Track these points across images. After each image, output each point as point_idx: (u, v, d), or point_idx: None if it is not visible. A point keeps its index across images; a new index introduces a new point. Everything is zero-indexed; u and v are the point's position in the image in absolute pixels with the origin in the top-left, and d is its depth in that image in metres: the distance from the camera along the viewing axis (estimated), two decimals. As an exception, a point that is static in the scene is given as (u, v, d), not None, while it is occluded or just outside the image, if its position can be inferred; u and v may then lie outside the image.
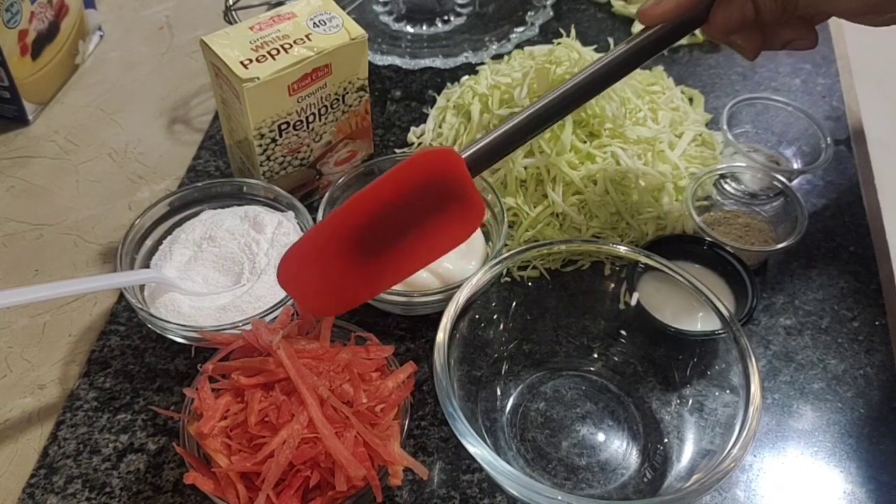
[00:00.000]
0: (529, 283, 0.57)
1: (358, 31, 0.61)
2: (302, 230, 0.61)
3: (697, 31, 0.86)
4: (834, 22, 0.89)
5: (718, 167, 0.66)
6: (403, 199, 0.47)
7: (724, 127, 0.68)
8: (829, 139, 0.68)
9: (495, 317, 0.56)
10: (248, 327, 0.51)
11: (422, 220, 0.48)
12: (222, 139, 0.71)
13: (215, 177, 0.72)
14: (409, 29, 0.86)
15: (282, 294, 0.56)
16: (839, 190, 0.71)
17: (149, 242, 0.61)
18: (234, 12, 0.76)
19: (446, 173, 0.47)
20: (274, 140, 0.61)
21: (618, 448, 0.53)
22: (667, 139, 0.68)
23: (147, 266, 0.60)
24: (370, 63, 0.65)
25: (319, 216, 0.60)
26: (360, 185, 0.65)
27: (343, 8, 0.63)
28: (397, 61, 0.79)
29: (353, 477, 0.45)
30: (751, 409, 0.46)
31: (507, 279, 0.56)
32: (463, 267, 0.59)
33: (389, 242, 0.48)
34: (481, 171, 0.50)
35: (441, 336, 0.49)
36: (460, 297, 0.51)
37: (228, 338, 0.51)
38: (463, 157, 0.48)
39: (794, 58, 0.85)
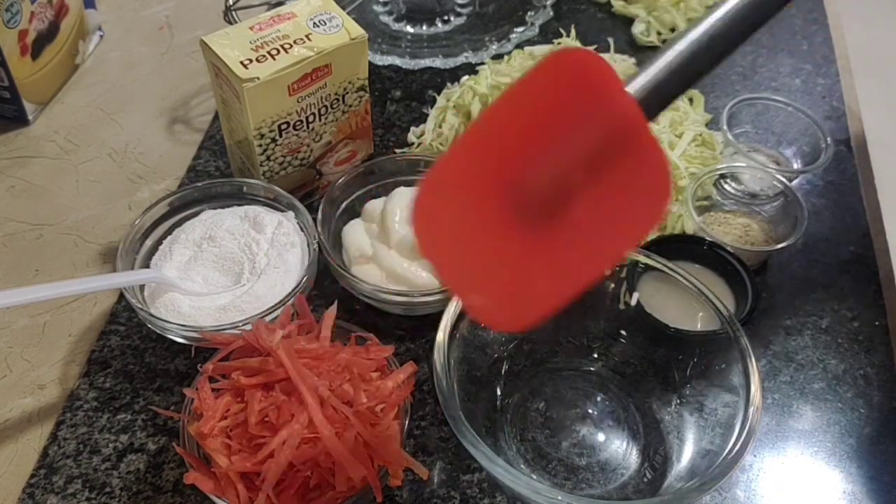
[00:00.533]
0: (529, 283, 0.57)
1: (358, 31, 0.61)
2: (302, 230, 0.61)
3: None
4: (834, 22, 0.89)
5: (718, 167, 0.66)
6: (542, 128, 0.34)
7: (724, 127, 0.68)
8: (829, 139, 0.68)
9: (495, 317, 0.56)
10: (248, 327, 0.51)
11: (591, 175, 0.34)
12: (222, 139, 0.71)
13: (215, 177, 0.72)
14: (409, 29, 0.86)
15: (282, 294, 0.56)
16: (839, 190, 0.71)
17: (149, 242, 0.61)
18: (234, 12, 0.76)
19: (593, 86, 0.33)
20: (274, 140, 0.61)
21: (618, 448, 0.53)
22: (667, 139, 0.68)
23: (147, 266, 0.60)
24: (370, 63, 0.65)
25: (319, 216, 0.60)
26: (360, 185, 0.65)
27: (343, 8, 0.63)
28: (397, 61, 0.79)
29: (353, 477, 0.45)
30: (751, 409, 0.46)
31: (507, 279, 0.56)
32: (463, 267, 0.58)
33: (554, 208, 0.35)
34: (658, 111, 0.35)
35: (441, 336, 0.49)
36: (460, 297, 0.51)
37: (228, 338, 0.51)
38: (629, 90, 0.33)
39: (795, 58, 0.85)
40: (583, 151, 0.34)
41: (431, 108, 0.76)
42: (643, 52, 0.84)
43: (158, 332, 0.57)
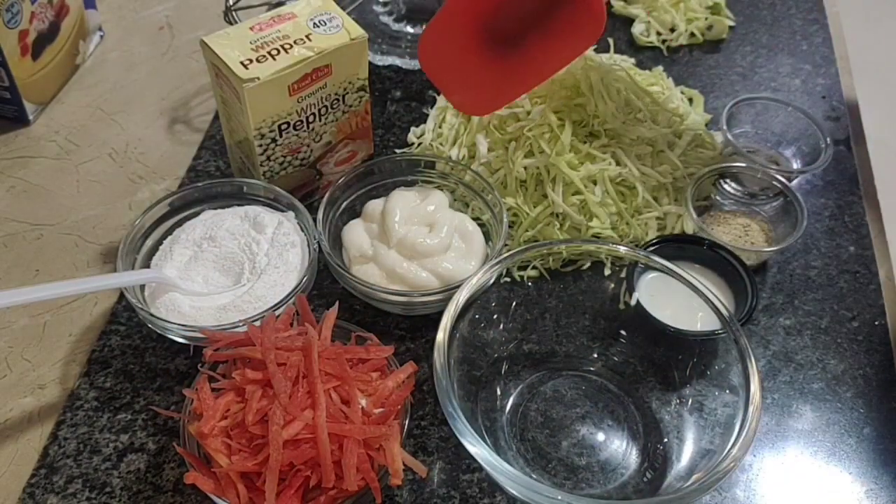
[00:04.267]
0: (529, 283, 0.57)
1: (358, 31, 0.61)
2: (302, 230, 0.61)
3: (697, 32, 0.86)
4: (834, 22, 0.89)
5: (718, 167, 0.66)
6: None
7: (724, 127, 0.68)
8: (828, 139, 0.68)
9: (495, 317, 0.56)
10: (256, 324, 0.51)
11: (543, 14, 0.54)
12: (222, 139, 0.71)
13: (215, 177, 0.72)
14: (409, 29, 0.86)
15: (282, 294, 0.56)
16: (839, 190, 0.71)
17: (149, 242, 0.61)
18: (234, 12, 0.76)
19: None
20: (274, 140, 0.61)
21: (618, 448, 0.54)
22: (667, 139, 0.68)
23: (147, 266, 0.60)
24: (370, 63, 0.65)
25: (319, 216, 0.60)
26: (360, 185, 0.65)
27: (343, 8, 0.63)
28: (397, 61, 0.79)
29: (351, 482, 0.45)
30: (750, 409, 0.46)
31: (507, 279, 0.56)
32: (463, 267, 0.59)
33: (517, 37, 0.55)
34: None
35: (441, 336, 0.49)
36: (460, 297, 0.51)
37: (229, 336, 0.51)
38: None
39: (795, 58, 0.85)
40: (542, 5, 0.54)
41: (431, 108, 0.76)
42: (643, 52, 0.84)
43: (159, 332, 0.57)
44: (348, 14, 0.62)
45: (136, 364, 0.58)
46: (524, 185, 0.65)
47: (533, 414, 0.55)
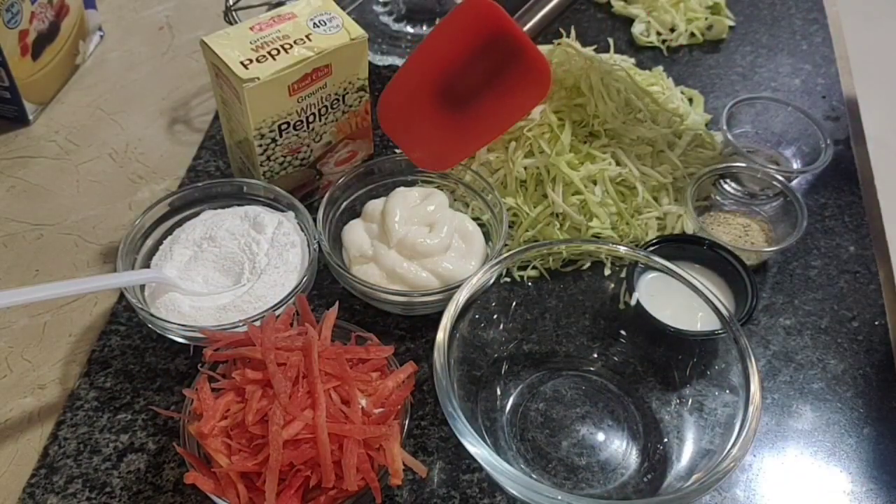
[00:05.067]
0: (529, 283, 0.57)
1: (358, 31, 0.61)
2: (302, 230, 0.61)
3: (697, 32, 0.86)
4: (834, 22, 0.89)
5: (718, 167, 0.66)
6: (463, 48, 0.57)
7: (724, 127, 0.68)
8: (828, 139, 0.68)
9: (495, 317, 0.56)
10: (256, 324, 0.51)
11: (493, 76, 0.58)
12: (222, 139, 0.71)
13: (215, 177, 0.72)
14: (409, 29, 0.86)
15: (282, 294, 0.56)
16: (839, 190, 0.71)
17: (149, 242, 0.61)
18: (234, 12, 0.76)
19: (492, 22, 0.56)
20: (274, 140, 0.61)
21: (618, 448, 0.54)
22: (667, 139, 0.68)
23: (147, 266, 0.60)
24: (370, 63, 0.65)
25: (319, 216, 0.60)
26: (360, 185, 0.65)
27: (343, 8, 0.63)
28: (397, 61, 0.79)
29: (351, 482, 0.45)
30: (750, 409, 0.46)
31: (507, 279, 0.56)
32: (463, 267, 0.59)
33: (470, 97, 0.59)
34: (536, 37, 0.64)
35: (441, 336, 0.49)
36: (460, 297, 0.51)
37: (229, 336, 0.51)
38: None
39: (795, 58, 0.85)
40: (489, 63, 0.58)
41: (431, 108, 0.76)
42: (643, 52, 0.84)
43: (159, 332, 0.57)
44: (348, 14, 0.62)
45: (136, 364, 0.58)
46: (524, 185, 0.65)
47: (533, 414, 0.55)
